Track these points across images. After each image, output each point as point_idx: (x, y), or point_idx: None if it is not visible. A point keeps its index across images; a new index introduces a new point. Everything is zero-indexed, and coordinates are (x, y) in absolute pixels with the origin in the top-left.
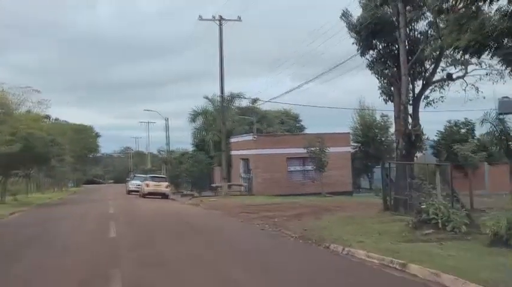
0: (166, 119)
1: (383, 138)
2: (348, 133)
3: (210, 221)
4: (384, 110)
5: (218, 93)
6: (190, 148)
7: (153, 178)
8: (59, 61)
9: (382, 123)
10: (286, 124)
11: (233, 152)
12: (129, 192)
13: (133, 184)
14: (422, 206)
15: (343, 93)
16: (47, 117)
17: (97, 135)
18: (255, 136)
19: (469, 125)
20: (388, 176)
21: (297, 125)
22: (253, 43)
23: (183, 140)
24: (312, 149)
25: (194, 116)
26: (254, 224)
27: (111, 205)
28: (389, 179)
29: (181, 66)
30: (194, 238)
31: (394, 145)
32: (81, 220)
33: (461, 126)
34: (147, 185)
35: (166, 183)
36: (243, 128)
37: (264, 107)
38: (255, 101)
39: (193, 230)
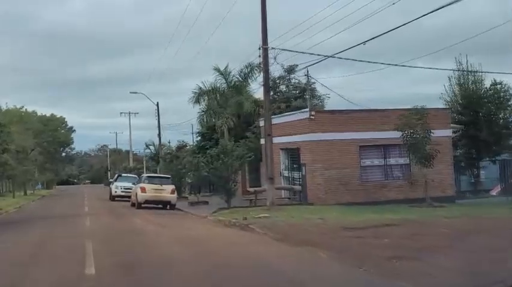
0: (157, 104)
1: (499, 116)
2: (448, 109)
3: None
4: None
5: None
6: (187, 139)
7: (151, 179)
8: (30, 58)
9: (496, 95)
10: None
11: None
12: (114, 198)
13: (119, 187)
14: None
15: None
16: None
17: (71, 130)
18: (313, 113)
19: None
20: None
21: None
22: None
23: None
24: (411, 131)
25: (199, 95)
26: None
27: (88, 232)
28: None
29: (163, 63)
30: None
31: None
32: None
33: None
34: (143, 190)
35: (172, 186)
36: (277, 106)
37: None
38: (291, 69)
39: None
